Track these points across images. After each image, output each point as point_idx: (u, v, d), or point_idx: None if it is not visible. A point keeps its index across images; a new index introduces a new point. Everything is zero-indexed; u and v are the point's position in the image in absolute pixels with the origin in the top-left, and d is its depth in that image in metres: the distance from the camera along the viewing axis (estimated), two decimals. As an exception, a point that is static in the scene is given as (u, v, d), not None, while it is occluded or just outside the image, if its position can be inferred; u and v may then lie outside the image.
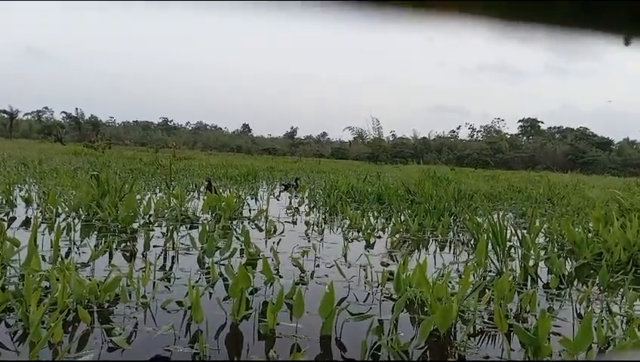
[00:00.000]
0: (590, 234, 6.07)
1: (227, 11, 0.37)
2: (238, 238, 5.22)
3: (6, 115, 63.94)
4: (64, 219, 6.19)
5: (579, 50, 0.42)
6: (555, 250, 5.67)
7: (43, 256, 4.07)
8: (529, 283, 4.38)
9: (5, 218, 6.26)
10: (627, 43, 0.41)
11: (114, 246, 4.88)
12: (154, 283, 3.61)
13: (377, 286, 3.87)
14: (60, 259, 3.87)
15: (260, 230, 6.51)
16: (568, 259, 5.40)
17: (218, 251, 4.57)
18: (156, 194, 9.31)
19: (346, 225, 7.15)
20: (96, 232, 5.70)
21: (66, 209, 6.76)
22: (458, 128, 77.62)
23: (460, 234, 6.95)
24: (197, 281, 3.79)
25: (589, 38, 0.41)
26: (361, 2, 0.37)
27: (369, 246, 5.83)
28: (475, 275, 4.46)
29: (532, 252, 4.89)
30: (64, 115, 71.63)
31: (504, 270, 4.55)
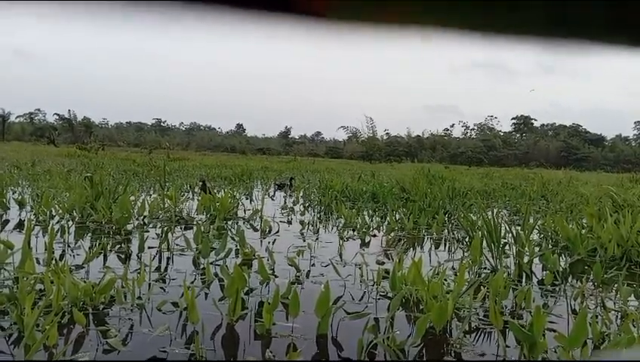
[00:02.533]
0: (584, 231, 6.10)
1: (220, 15, 0.37)
2: (233, 238, 5.22)
3: (-2, 118, 63.56)
4: (58, 222, 6.16)
5: (569, 52, 0.42)
6: (550, 246, 5.70)
7: (37, 259, 4.05)
8: (524, 280, 4.40)
9: (-2, 221, 6.23)
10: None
11: (108, 248, 4.86)
12: (149, 284, 3.60)
13: (373, 285, 3.88)
14: (54, 261, 3.86)
15: (255, 230, 6.50)
16: (562, 255, 5.42)
17: (213, 251, 4.56)
18: (150, 195, 9.28)
19: (341, 224, 7.15)
20: (90, 234, 5.68)
21: (60, 211, 6.72)
22: (452, 126, 77.85)
23: (455, 232, 6.97)
24: (192, 282, 3.78)
25: (578, 42, 0.41)
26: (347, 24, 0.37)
27: (364, 244, 5.84)
28: (470, 273, 4.48)
29: (526, 249, 4.91)
30: (57, 117, 71.18)
31: (499, 267, 4.57)
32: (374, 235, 6.45)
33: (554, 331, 2.95)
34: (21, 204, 7.34)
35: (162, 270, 4.24)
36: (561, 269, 4.67)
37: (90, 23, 0.36)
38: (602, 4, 0.39)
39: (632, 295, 3.80)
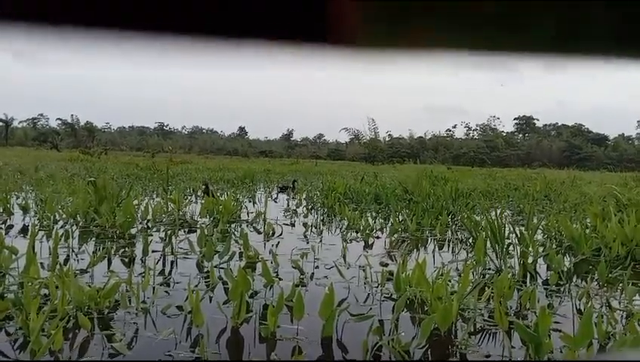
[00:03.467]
0: (588, 230, 6.09)
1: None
2: (236, 241, 5.22)
3: (1, 123, 63.76)
4: (62, 226, 6.18)
5: (576, 66, 0.43)
6: (554, 246, 5.68)
7: (41, 264, 4.05)
8: (528, 280, 4.39)
9: (2, 226, 6.25)
10: None
11: (112, 252, 4.87)
12: (153, 288, 3.60)
13: (377, 287, 3.87)
14: (58, 266, 3.86)
15: (259, 233, 6.51)
16: (567, 255, 5.41)
17: (217, 255, 4.57)
18: (154, 199, 9.30)
19: (344, 226, 7.15)
20: (94, 238, 5.69)
21: (64, 216, 6.74)
22: (454, 127, 77.87)
23: (459, 233, 6.96)
24: (196, 285, 3.78)
25: (572, 58, 0.41)
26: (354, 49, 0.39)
27: (368, 246, 5.84)
28: (475, 273, 4.47)
29: (530, 249, 4.90)
30: (59, 122, 71.47)
31: (503, 267, 4.56)
32: (378, 237, 6.44)
33: (559, 331, 2.94)
34: (25, 209, 7.35)
35: (166, 273, 4.25)
36: (565, 269, 4.65)
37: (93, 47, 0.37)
38: (609, 18, 0.39)
39: (638, 294, 3.78)
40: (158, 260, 4.63)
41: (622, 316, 3.40)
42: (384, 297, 3.67)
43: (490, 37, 0.38)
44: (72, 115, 69.77)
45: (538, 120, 78.07)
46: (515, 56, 0.39)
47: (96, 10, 0.36)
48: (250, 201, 10.18)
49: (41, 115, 77.22)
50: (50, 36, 0.36)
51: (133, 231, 6.03)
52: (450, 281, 3.82)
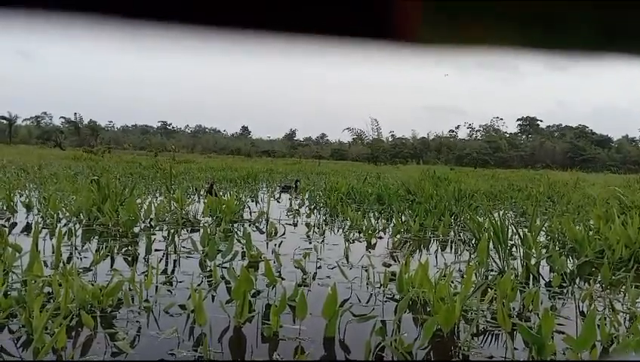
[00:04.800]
0: (591, 232, 6.07)
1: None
2: (239, 241, 5.22)
3: (5, 121, 63.88)
4: (65, 225, 6.19)
5: (576, 62, 0.43)
6: (557, 248, 5.67)
7: (45, 262, 4.06)
8: (531, 282, 4.38)
9: (6, 224, 6.26)
10: None
11: (115, 251, 4.88)
12: (156, 287, 3.61)
13: (380, 287, 3.87)
14: (61, 264, 3.88)
15: (261, 232, 6.51)
16: (570, 257, 5.40)
17: (220, 254, 4.57)
18: (157, 198, 9.31)
19: (346, 227, 7.15)
20: (97, 237, 5.70)
21: (67, 214, 6.76)
22: (457, 128, 77.45)
23: (461, 234, 6.95)
24: (199, 284, 3.79)
25: (604, 57, 0.42)
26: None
27: (370, 247, 5.83)
28: (477, 275, 4.46)
29: (533, 250, 4.89)
30: (63, 121, 71.54)
31: (506, 269, 4.55)
32: (380, 237, 6.44)
33: (562, 333, 2.93)
34: (28, 207, 7.37)
35: (169, 272, 4.25)
36: (568, 271, 4.64)
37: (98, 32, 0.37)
38: (610, 15, 0.39)
39: (641, 297, 3.77)
40: (161, 259, 4.63)
41: (625, 318, 3.39)
42: (387, 298, 3.67)
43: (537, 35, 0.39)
44: (75, 114, 69.79)
45: (542, 121, 77.88)
46: (561, 54, 0.40)
47: None
48: (252, 201, 10.18)
49: (45, 113, 77.28)
50: (52, 25, 0.36)
51: (136, 229, 6.04)
52: (452, 282, 3.82)
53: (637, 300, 3.69)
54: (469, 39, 0.38)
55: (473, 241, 6.02)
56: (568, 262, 5.02)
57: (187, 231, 6.27)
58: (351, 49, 0.38)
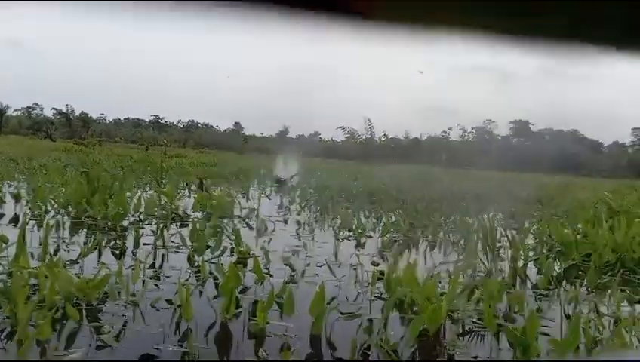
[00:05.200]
0: (579, 236, 6.11)
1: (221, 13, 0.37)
2: (228, 237, 5.21)
3: (-5, 111, 63.30)
4: (53, 216, 6.14)
5: (571, 57, 0.42)
6: (545, 251, 5.71)
7: (31, 253, 4.02)
8: (518, 284, 4.40)
9: (-7, 214, 6.20)
10: None
11: (103, 244, 4.85)
12: (143, 281, 3.59)
13: (367, 286, 3.87)
14: (48, 256, 3.85)
15: (251, 229, 6.50)
16: (557, 260, 5.43)
17: (208, 249, 4.56)
18: (146, 192, 9.26)
19: (336, 225, 7.14)
20: (85, 230, 5.67)
21: (55, 206, 6.70)
22: (450, 129, 77.78)
23: (450, 235, 6.97)
24: (187, 280, 3.77)
25: (583, 47, 0.41)
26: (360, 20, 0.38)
27: (360, 245, 5.84)
28: (465, 275, 4.48)
29: (521, 253, 4.92)
30: (54, 112, 70.92)
31: (493, 270, 4.58)
32: (370, 236, 6.45)
33: (547, 335, 2.95)
34: (17, 198, 7.31)
35: (157, 267, 4.24)
36: (555, 274, 4.67)
37: (92, 18, 0.36)
38: (620, 7, 0.39)
39: (626, 300, 3.81)
40: (149, 253, 4.61)
41: (610, 322, 3.42)
42: (374, 296, 3.67)
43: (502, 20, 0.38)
44: (66, 105, 69.23)
45: (533, 125, 78.31)
46: (524, 40, 0.39)
47: None
48: (243, 197, 10.15)
49: (36, 104, 76.59)
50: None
51: (124, 223, 6.00)
52: (440, 282, 3.83)
53: (622, 304, 3.72)
54: (439, 21, 0.38)
55: (462, 242, 6.05)
56: (555, 264, 5.05)
57: (176, 225, 6.24)
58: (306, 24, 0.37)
